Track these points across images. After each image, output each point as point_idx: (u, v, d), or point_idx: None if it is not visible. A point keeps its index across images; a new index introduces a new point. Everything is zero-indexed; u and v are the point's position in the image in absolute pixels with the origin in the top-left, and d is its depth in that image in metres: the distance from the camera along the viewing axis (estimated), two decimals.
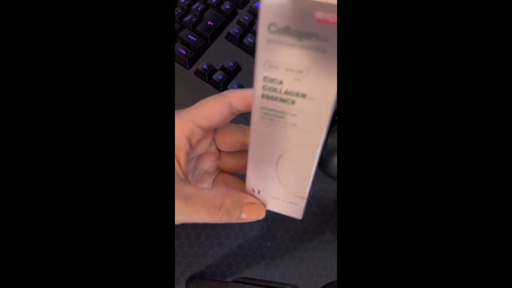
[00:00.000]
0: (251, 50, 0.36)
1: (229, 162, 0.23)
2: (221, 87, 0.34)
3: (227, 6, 0.37)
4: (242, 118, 0.34)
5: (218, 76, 0.34)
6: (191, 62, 0.36)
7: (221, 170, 0.24)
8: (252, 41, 0.36)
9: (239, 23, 0.37)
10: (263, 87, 0.16)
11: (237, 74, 0.36)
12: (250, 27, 0.37)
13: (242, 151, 0.23)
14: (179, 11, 0.37)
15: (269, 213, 0.36)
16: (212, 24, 0.36)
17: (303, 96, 0.16)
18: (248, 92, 0.20)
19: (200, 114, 0.20)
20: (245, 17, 0.37)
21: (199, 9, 0.37)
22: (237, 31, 0.36)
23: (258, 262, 0.35)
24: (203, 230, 0.35)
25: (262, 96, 0.16)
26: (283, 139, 0.17)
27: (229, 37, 0.37)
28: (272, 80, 0.16)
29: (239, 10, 0.38)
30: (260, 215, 0.20)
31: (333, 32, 0.14)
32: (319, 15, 0.13)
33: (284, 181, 0.19)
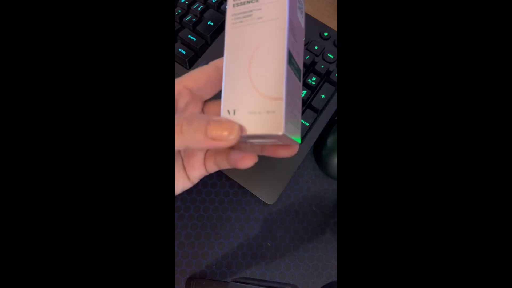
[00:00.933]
0: None
1: (211, 162, 0.23)
2: None
3: (227, 6, 0.37)
4: None
5: None
6: (191, 62, 0.35)
7: None
8: None
9: None
10: None
11: None
12: None
13: None
14: (179, 11, 0.37)
15: (269, 213, 0.36)
16: (212, 24, 0.36)
17: None
18: None
19: (188, 77, 0.21)
20: None
21: (199, 9, 0.37)
22: None
23: (258, 262, 0.35)
24: (203, 230, 0.35)
25: (234, 5, 0.19)
26: (253, 37, 0.19)
27: None
28: None
29: None
30: (234, 131, 0.17)
31: None
32: None
33: (258, 84, 0.18)
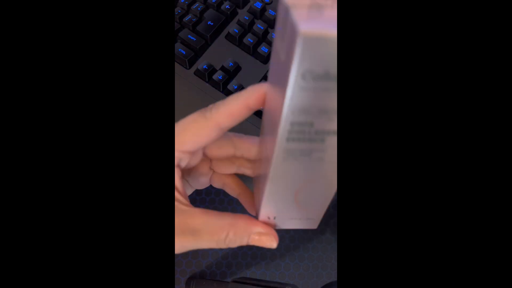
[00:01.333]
0: (251, 50, 0.36)
1: (220, 167, 0.23)
2: (221, 87, 0.34)
3: (227, 6, 0.37)
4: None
5: (218, 76, 0.34)
6: (191, 62, 0.35)
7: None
8: (252, 41, 0.36)
9: (239, 23, 0.37)
10: (289, 131, 0.14)
11: (237, 74, 0.36)
12: (250, 27, 0.37)
13: (232, 158, 0.23)
14: (179, 11, 0.37)
15: None
16: (212, 24, 0.36)
17: (335, 133, 0.14)
18: (234, 106, 0.18)
19: (186, 142, 0.19)
20: (245, 17, 0.37)
21: (199, 9, 0.37)
22: (237, 31, 0.36)
23: (258, 262, 0.35)
24: None
25: (287, 140, 0.15)
26: (307, 172, 0.16)
27: (229, 37, 0.37)
28: (301, 124, 0.14)
29: (239, 10, 0.38)
30: (272, 245, 0.20)
31: None
32: None
33: (304, 206, 0.19)
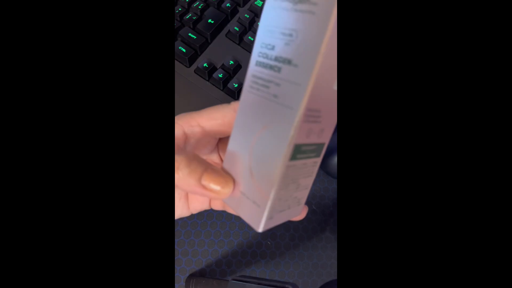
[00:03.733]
0: (251, 49, 0.36)
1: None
2: (221, 85, 0.34)
3: (228, 4, 0.37)
4: None
5: (218, 74, 0.34)
6: (191, 60, 0.35)
7: None
8: (252, 39, 0.36)
9: (239, 21, 0.37)
10: (259, 53, 0.16)
11: (237, 73, 0.36)
12: (251, 25, 0.37)
13: None
14: (179, 9, 0.37)
15: None
16: (212, 22, 0.36)
17: (289, 62, 0.15)
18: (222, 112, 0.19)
19: (204, 114, 0.20)
20: (246, 15, 0.37)
21: (200, 7, 0.37)
22: (237, 29, 0.36)
23: (258, 260, 0.35)
24: (203, 229, 0.35)
25: (256, 63, 0.16)
26: (262, 113, 0.16)
27: (229, 35, 0.37)
28: (266, 46, 0.16)
29: (239, 8, 0.38)
30: (226, 189, 0.17)
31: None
32: None
33: (254, 168, 0.17)
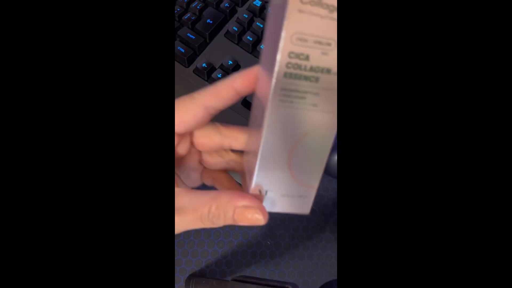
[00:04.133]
0: (250, 49, 0.36)
1: (209, 162, 0.23)
2: None
3: (226, 4, 0.37)
4: (240, 116, 0.34)
5: (217, 74, 0.34)
6: (190, 60, 0.35)
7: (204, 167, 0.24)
8: (251, 39, 0.36)
9: (238, 21, 0.37)
10: (288, 64, 0.15)
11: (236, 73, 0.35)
12: (249, 25, 0.37)
13: (221, 152, 0.23)
14: (178, 9, 0.37)
15: (269, 212, 0.36)
16: (211, 22, 0.36)
17: (328, 71, 0.15)
18: (221, 87, 0.19)
19: (206, 93, 0.20)
20: (244, 15, 0.37)
21: (198, 7, 0.37)
22: (236, 29, 0.36)
23: (258, 260, 0.35)
24: (203, 229, 0.35)
25: (285, 75, 0.15)
26: (301, 123, 0.16)
27: (228, 35, 0.37)
28: (298, 56, 0.15)
29: (238, 8, 0.38)
30: (258, 219, 0.18)
31: None
32: None
33: (297, 172, 0.18)
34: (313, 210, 0.37)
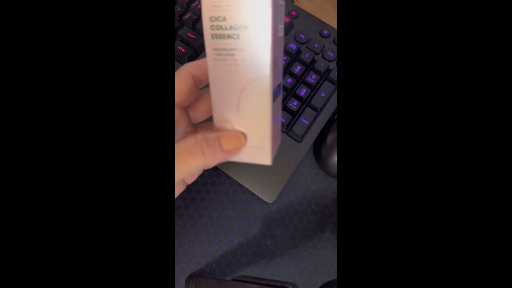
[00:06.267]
0: None
1: (197, 114, 0.24)
2: None
3: None
4: None
5: None
6: (191, 60, 0.35)
7: None
8: None
9: None
10: (211, 26, 0.18)
11: None
12: None
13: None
14: (179, 9, 0.37)
15: (268, 212, 0.36)
16: None
17: (245, 27, 0.17)
18: (203, 60, 0.21)
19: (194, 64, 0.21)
20: None
21: (199, 7, 0.37)
22: None
23: (258, 260, 0.35)
24: (203, 229, 0.35)
25: (212, 36, 0.18)
26: (238, 77, 0.19)
27: None
28: (217, 18, 0.17)
29: None
30: (241, 140, 0.20)
31: None
32: None
33: (247, 125, 0.20)
34: (313, 210, 0.37)
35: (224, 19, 0.17)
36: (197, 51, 0.36)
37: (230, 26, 0.17)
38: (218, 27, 0.18)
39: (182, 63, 0.35)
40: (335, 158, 0.36)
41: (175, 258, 0.33)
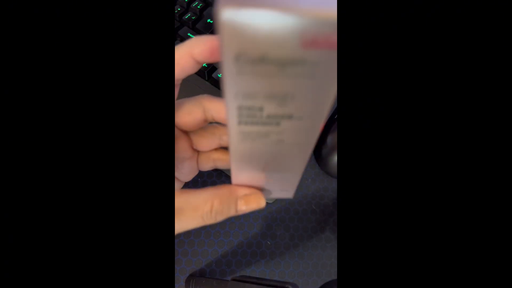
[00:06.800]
0: None
1: (202, 143, 0.22)
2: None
3: None
4: None
5: (218, 74, 0.34)
6: None
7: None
8: None
9: None
10: (239, 115, 0.13)
11: None
12: None
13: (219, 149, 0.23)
14: (179, 9, 0.37)
15: (269, 212, 0.36)
16: (212, 22, 0.36)
17: (289, 117, 0.14)
18: (179, 57, 0.17)
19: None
20: None
21: (199, 7, 0.37)
22: None
23: (258, 260, 0.35)
24: (203, 229, 0.35)
25: (239, 123, 0.14)
26: (269, 152, 0.16)
27: None
28: (249, 108, 0.13)
29: None
30: (260, 203, 0.19)
31: (326, 56, 0.11)
32: (307, 39, 0.10)
33: (275, 180, 0.19)
34: (313, 210, 0.37)
35: (261, 109, 0.13)
36: None
37: (268, 116, 0.13)
38: (249, 116, 0.14)
39: None
40: (335, 158, 0.36)
41: (175, 258, 0.33)
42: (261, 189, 0.20)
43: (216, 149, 0.23)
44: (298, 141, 0.15)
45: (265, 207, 0.36)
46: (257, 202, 0.19)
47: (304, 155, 0.16)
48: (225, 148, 0.23)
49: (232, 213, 0.19)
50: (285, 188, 0.20)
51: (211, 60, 0.18)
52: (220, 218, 0.18)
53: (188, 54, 0.17)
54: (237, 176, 0.19)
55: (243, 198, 0.19)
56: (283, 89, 0.12)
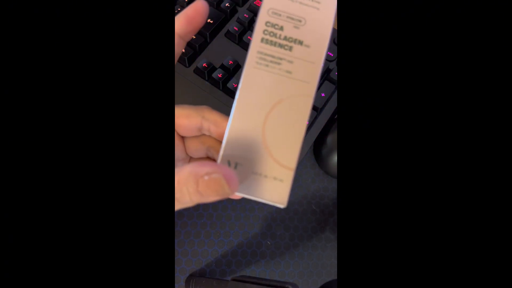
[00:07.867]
0: None
1: (190, 148, 0.22)
2: (221, 85, 0.34)
3: (227, 4, 0.37)
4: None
5: (218, 74, 0.34)
6: (191, 60, 0.35)
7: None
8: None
9: (238, 21, 0.37)
10: (264, 31, 0.17)
11: (237, 72, 0.35)
12: (250, 25, 0.37)
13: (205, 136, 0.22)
14: (179, 9, 0.37)
15: (268, 212, 0.36)
16: (211, 22, 0.36)
17: (300, 43, 0.17)
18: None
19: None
20: (245, 15, 0.37)
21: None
22: (236, 29, 0.36)
23: (258, 260, 0.35)
24: (203, 229, 0.35)
25: (262, 40, 0.17)
26: (277, 88, 0.17)
27: (228, 35, 0.37)
28: (273, 25, 0.17)
29: (238, 8, 0.38)
30: (222, 192, 0.16)
31: None
32: None
33: (271, 145, 0.17)
34: (313, 210, 0.37)
35: (281, 28, 0.17)
36: (197, 51, 0.36)
37: (285, 37, 0.17)
38: (271, 34, 0.17)
39: (182, 63, 0.35)
40: (335, 158, 0.36)
41: (175, 258, 0.33)
42: (250, 173, 0.17)
43: (203, 158, 0.23)
44: (303, 78, 0.17)
45: (265, 207, 0.36)
46: (217, 187, 0.15)
47: (306, 107, 0.17)
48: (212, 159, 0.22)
49: (194, 195, 0.16)
50: (279, 175, 0.17)
51: (190, 28, 0.19)
52: (183, 200, 0.16)
53: (185, 18, 0.19)
54: (233, 130, 0.17)
55: (202, 180, 0.15)
56: (299, 14, 0.17)
